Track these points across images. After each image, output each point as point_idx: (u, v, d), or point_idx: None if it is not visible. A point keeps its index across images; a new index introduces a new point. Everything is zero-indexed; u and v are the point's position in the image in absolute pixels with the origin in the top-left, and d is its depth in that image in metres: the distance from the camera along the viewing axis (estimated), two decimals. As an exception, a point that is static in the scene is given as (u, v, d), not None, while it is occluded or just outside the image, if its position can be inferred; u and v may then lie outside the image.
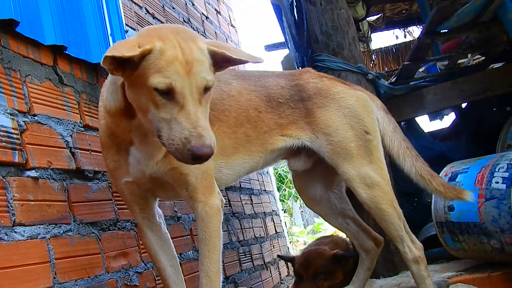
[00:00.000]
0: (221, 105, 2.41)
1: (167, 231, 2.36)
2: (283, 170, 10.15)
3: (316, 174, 2.99)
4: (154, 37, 1.75)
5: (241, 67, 4.82)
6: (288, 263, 5.26)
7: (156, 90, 1.70)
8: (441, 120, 5.01)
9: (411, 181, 2.74)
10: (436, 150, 4.23)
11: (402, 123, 4.30)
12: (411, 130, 4.41)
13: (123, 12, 3.13)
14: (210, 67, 1.81)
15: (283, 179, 10.18)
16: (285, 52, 5.21)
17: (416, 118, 4.47)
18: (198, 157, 1.67)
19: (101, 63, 1.67)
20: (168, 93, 1.70)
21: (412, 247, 2.60)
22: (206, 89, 1.77)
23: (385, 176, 2.64)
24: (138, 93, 1.78)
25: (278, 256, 4.42)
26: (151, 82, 1.70)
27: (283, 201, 9.65)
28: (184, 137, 1.68)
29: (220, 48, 1.84)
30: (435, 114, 5.39)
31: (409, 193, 3.90)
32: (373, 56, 10.26)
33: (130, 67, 1.74)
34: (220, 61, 1.87)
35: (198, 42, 1.80)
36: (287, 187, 10.07)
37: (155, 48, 1.72)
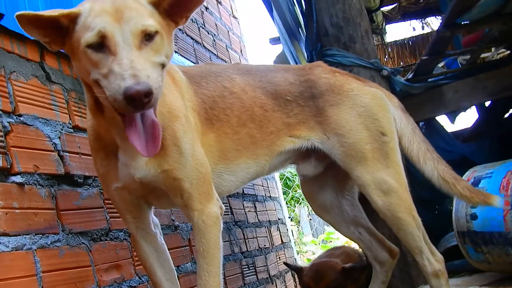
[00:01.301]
0: (221, 103, 2.40)
1: (163, 241, 2.36)
2: (289, 173, 10.14)
3: (326, 178, 2.99)
4: (87, 2, 1.80)
5: (234, 57, 4.82)
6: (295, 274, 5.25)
7: (89, 46, 1.73)
8: (453, 123, 4.99)
9: (430, 187, 2.74)
10: (456, 153, 4.22)
11: (421, 123, 4.30)
12: (430, 131, 4.41)
13: (116, 3, 3.13)
14: (153, 16, 1.81)
15: (290, 183, 10.17)
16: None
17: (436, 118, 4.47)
18: (131, 98, 1.63)
19: (28, 34, 1.74)
20: (101, 46, 1.72)
21: (432, 260, 2.60)
22: (149, 36, 1.76)
23: (403, 182, 2.63)
24: (79, 61, 1.80)
25: (285, 263, 4.42)
26: (82, 42, 1.73)
27: (290, 208, 9.65)
28: (116, 84, 1.66)
29: None
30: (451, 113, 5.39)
31: (428, 200, 3.90)
32: (388, 49, 10.25)
33: (67, 37, 1.79)
34: (171, 11, 1.88)
35: None
36: (294, 191, 10.06)
37: (84, 10, 1.76)
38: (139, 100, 1.64)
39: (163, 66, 1.83)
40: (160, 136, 1.82)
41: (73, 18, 1.75)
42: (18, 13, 1.69)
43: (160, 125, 1.84)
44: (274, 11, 4.20)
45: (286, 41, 4.64)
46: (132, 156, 2.03)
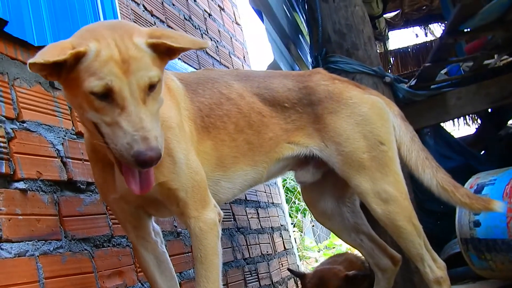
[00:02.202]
0: (218, 110, 2.40)
1: (164, 249, 2.36)
2: (292, 180, 10.14)
3: (326, 186, 2.98)
4: (89, 38, 1.74)
5: (237, 64, 4.83)
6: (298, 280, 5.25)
7: (93, 94, 1.70)
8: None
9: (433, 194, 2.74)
10: (457, 160, 4.22)
11: (425, 129, 4.30)
12: (437, 137, 4.41)
13: (119, 9, 3.15)
14: (154, 61, 1.79)
15: (293, 190, 10.16)
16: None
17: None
18: (143, 163, 1.66)
19: (29, 69, 1.68)
20: (107, 96, 1.70)
21: (433, 267, 2.59)
22: (151, 86, 1.76)
23: (403, 190, 2.62)
24: (76, 97, 1.78)
25: (289, 270, 4.43)
26: (86, 86, 1.70)
27: (293, 215, 9.64)
28: (126, 142, 1.67)
29: (161, 38, 1.80)
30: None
31: (432, 210, 3.90)
32: (391, 59, 10.25)
33: (65, 70, 1.74)
34: (167, 51, 1.84)
35: (135, 38, 1.76)
36: (296, 199, 10.06)
37: (90, 50, 1.71)
38: (149, 165, 1.69)
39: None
40: (153, 177, 1.84)
41: (78, 57, 1.71)
42: (30, 61, 1.65)
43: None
44: (265, 19, 4.20)
45: (280, 49, 4.63)
46: None
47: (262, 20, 4.27)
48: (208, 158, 2.31)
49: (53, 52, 1.69)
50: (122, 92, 1.69)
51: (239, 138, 2.43)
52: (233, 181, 2.45)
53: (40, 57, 1.66)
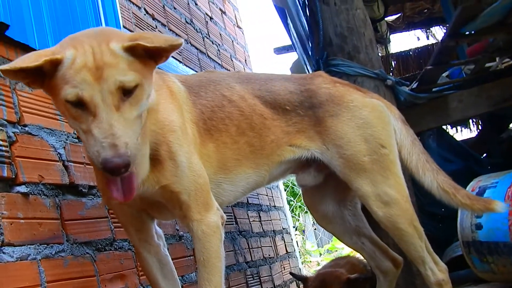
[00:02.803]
0: (220, 112, 2.39)
1: (167, 253, 2.36)
2: (293, 184, 10.14)
3: (328, 189, 2.98)
4: (68, 45, 1.73)
5: (238, 67, 4.83)
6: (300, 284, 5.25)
7: (68, 102, 1.69)
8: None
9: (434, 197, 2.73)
10: (459, 163, 4.22)
11: (429, 132, 4.30)
12: (438, 140, 4.41)
13: (121, 13, 3.15)
14: (132, 66, 1.74)
15: (295, 193, 10.16)
16: (294, 55, 5.24)
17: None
18: (110, 170, 1.64)
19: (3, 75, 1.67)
20: (81, 104, 1.69)
21: (435, 269, 2.59)
22: (127, 91, 1.72)
23: (404, 193, 2.62)
24: (58, 105, 1.79)
25: (291, 273, 4.42)
26: (62, 94, 1.69)
27: (294, 217, 9.63)
28: (96, 150, 1.66)
29: (137, 40, 1.75)
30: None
31: (433, 212, 3.90)
32: (392, 62, 10.25)
33: (47, 78, 1.73)
34: (147, 54, 1.80)
35: (111, 43, 1.73)
36: (298, 201, 10.05)
37: (66, 58, 1.70)
38: (117, 172, 1.66)
39: (146, 110, 1.83)
40: (135, 185, 1.83)
41: (55, 64, 1.70)
42: (2, 68, 1.65)
43: (135, 173, 1.83)
44: (288, 19, 4.21)
45: (299, 49, 4.64)
46: None
47: (284, 18, 4.28)
48: (210, 160, 2.31)
49: (29, 59, 1.68)
50: (93, 100, 1.67)
51: (241, 140, 2.43)
52: (235, 184, 2.45)
53: (12, 64, 1.66)
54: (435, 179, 2.69)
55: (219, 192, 2.38)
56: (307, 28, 4.12)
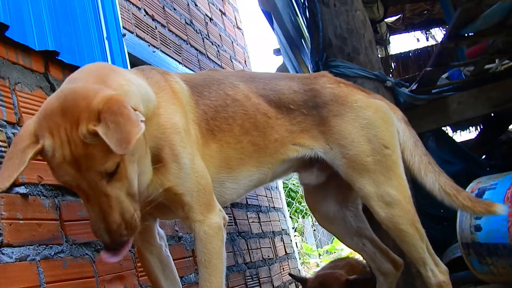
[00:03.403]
0: (224, 112, 2.39)
1: (169, 253, 2.36)
2: (293, 184, 10.13)
3: (330, 189, 2.98)
4: (45, 128, 1.70)
5: (238, 68, 4.82)
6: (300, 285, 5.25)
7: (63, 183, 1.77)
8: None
9: (434, 198, 2.73)
10: (459, 164, 4.22)
11: (428, 133, 4.30)
12: (438, 141, 4.41)
13: (120, 14, 3.15)
14: (105, 147, 1.62)
15: (294, 194, 10.16)
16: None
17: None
18: (111, 250, 1.79)
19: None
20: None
21: (435, 271, 2.59)
22: (110, 174, 1.71)
23: (406, 194, 2.62)
24: None
25: (290, 275, 4.42)
26: (56, 177, 1.76)
27: (293, 218, 9.63)
28: (94, 229, 1.77)
29: (105, 120, 1.63)
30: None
31: (433, 214, 3.89)
32: (392, 63, 10.25)
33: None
34: None
35: (80, 127, 1.65)
36: (297, 202, 10.05)
37: (45, 147, 1.68)
38: (118, 251, 1.80)
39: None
40: (128, 247, 1.84)
41: (39, 153, 1.70)
42: (2, 187, 1.64)
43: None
44: (275, 23, 4.20)
45: (287, 52, 4.64)
46: None
47: (271, 23, 4.28)
48: (213, 160, 2.31)
49: (13, 164, 1.67)
50: (81, 187, 1.72)
51: (244, 139, 2.43)
52: (238, 182, 2.45)
53: (5, 179, 1.65)
54: (437, 180, 2.69)
55: (222, 191, 2.38)
56: (306, 30, 4.12)
